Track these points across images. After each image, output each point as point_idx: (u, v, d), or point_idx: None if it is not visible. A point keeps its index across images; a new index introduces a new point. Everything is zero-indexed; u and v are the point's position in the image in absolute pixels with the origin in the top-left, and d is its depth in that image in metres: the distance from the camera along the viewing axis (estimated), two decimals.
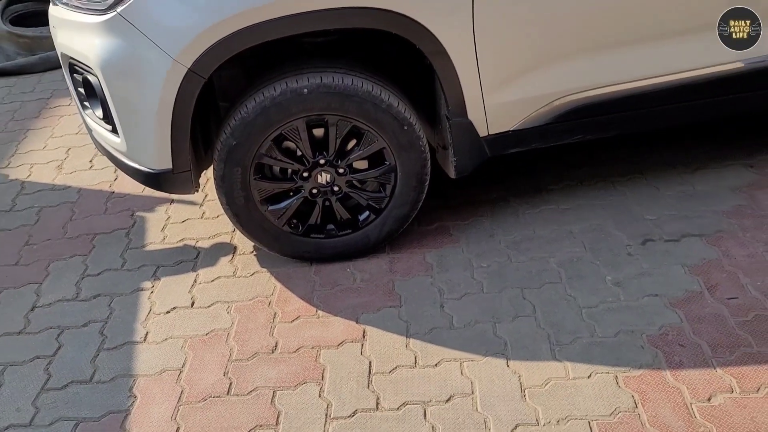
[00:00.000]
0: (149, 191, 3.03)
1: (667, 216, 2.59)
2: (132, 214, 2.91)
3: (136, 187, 3.08)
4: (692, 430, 1.79)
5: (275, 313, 2.31)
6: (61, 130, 3.68)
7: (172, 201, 2.97)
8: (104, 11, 2.00)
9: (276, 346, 2.18)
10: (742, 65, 2.29)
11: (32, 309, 2.43)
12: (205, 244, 2.69)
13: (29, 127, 3.75)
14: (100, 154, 3.33)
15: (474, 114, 2.25)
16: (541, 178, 2.88)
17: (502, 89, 2.24)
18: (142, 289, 2.47)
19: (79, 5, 2.09)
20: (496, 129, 2.33)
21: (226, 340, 2.22)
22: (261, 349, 2.17)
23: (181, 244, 2.70)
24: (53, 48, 4.41)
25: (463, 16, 2.05)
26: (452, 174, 2.42)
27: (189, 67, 1.99)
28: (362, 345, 2.16)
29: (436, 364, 2.07)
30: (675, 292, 2.24)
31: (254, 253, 2.60)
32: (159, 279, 2.52)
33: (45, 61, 4.40)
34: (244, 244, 2.65)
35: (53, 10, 2.27)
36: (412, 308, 2.28)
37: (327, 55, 2.28)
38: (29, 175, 3.29)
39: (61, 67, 4.23)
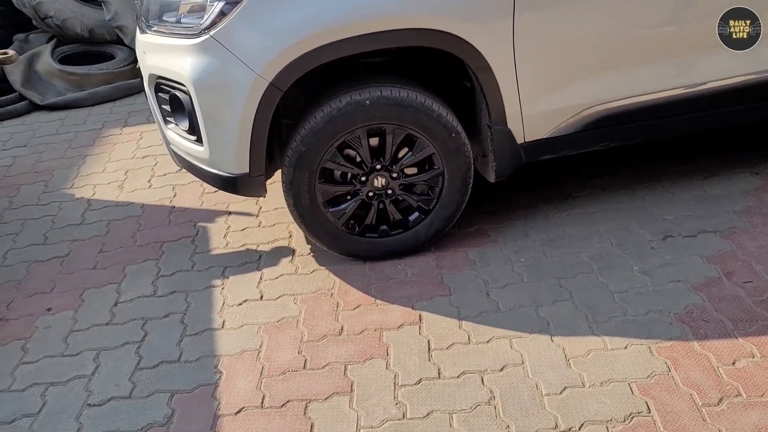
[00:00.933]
0: (208, 204, 3.33)
1: (684, 216, 2.87)
2: (194, 225, 3.19)
3: (194, 202, 3.37)
4: (721, 387, 2.03)
5: (338, 303, 2.57)
6: (117, 156, 3.99)
7: (230, 213, 3.25)
8: (198, 35, 2.32)
9: (342, 329, 2.43)
10: (755, 77, 2.61)
11: (115, 304, 2.69)
12: (265, 248, 2.96)
13: (87, 153, 4.06)
14: (157, 175, 3.67)
15: (513, 123, 2.55)
16: (567, 186, 3.17)
17: (538, 100, 2.54)
18: (213, 286, 2.74)
19: (174, 31, 2.41)
20: (531, 137, 2.62)
21: (296, 325, 2.47)
22: (329, 332, 2.42)
23: (243, 248, 2.97)
24: (100, 84, 4.80)
25: (505, 37, 2.37)
26: (492, 178, 2.71)
27: (270, 81, 2.30)
28: (419, 327, 2.41)
29: (488, 341, 2.32)
30: (696, 278, 2.50)
31: (311, 254, 2.87)
32: (227, 277, 2.78)
33: (93, 95, 4.75)
34: (302, 246, 2.92)
35: (143, 38, 2.60)
36: (461, 296, 2.54)
37: (380, 74, 2.60)
38: (93, 194, 3.58)
39: (105, 102, 4.62)
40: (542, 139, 2.65)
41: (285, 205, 3.14)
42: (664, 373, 2.11)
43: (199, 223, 3.20)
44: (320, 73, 2.44)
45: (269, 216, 3.18)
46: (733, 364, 2.12)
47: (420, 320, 2.45)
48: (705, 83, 2.66)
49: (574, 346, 2.26)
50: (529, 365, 2.19)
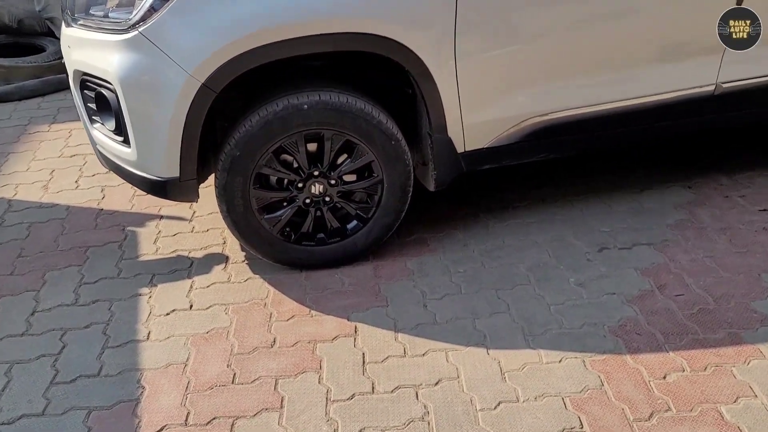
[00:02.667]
0: (139, 207, 3.19)
1: (620, 228, 2.90)
2: (123, 229, 3.04)
3: (124, 204, 3.23)
4: (652, 402, 2.04)
5: (271, 313, 2.48)
6: (42, 154, 3.79)
7: (161, 217, 3.12)
8: (126, 31, 2.20)
9: (274, 341, 2.35)
10: (711, 90, 2.66)
11: (32, 313, 2.53)
12: (197, 254, 2.84)
13: (10, 150, 3.85)
14: (85, 175, 3.50)
15: (453, 132, 2.52)
16: (507, 196, 3.16)
17: (478, 110, 2.52)
18: (140, 295, 2.61)
19: (101, 26, 2.28)
20: (471, 146, 2.60)
21: (226, 337, 2.37)
22: (260, 344, 2.33)
23: (174, 254, 2.85)
24: (28, 77, 4.56)
25: (446, 44, 2.34)
26: (431, 187, 2.68)
27: (203, 82, 2.20)
28: (354, 339, 2.35)
29: (423, 354, 2.27)
30: (630, 291, 2.52)
31: (246, 261, 2.77)
32: (156, 285, 2.66)
33: (20, 89, 4.51)
34: (236, 254, 2.82)
35: (68, 31, 2.45)
36: (397, 307, 2.49)
37: (319, 78, 2.53)
38: (15, 194, 3.38)
39: (33, 96, 4.40)
40: (483, 148, 2.63)
41: (218, 211, 3.09)
42: (597, 388, 2.10)
43: (128, 228, 3.05)
44: (259, 75, 2.36)
45: (203, 221, 3.06)
46: (664, 378, 2.14)
47: (355, 332, 2.38)
48: (642, 97, 2.68)
49: (509, 359, 2.24)
50: (465, 379, 2.16)
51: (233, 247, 2.87)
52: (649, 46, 2.62)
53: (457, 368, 2.20)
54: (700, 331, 2.32)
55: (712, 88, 2.73)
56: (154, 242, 2.94)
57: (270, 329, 2.40)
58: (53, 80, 4.61)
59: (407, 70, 2.37)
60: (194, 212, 3.13)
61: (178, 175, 2.36)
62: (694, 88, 2.71)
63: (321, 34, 2.23)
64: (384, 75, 2.63)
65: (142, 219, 3.11)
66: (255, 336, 2.37)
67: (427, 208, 3.04)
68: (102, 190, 3.37)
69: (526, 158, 2.75)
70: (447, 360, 2.24)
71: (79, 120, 4.18)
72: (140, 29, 2.18)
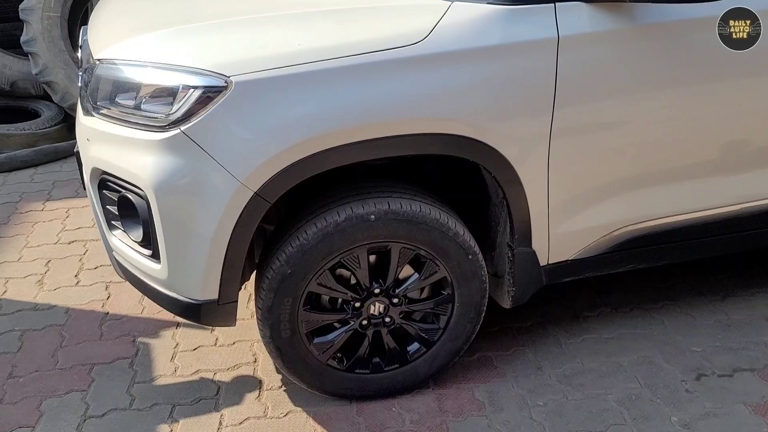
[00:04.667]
0: (151, 311, 2.75)
1: (713, 348, 2.52)
2: (134, 340, 2.59)
3: (133, 307, 2.79)
4: None
5: None
6: (36, 239, 3.34)
7: (179, 324, 2.68)
8: (164, 128, 1.81)
9: None
10: None
11: None
12: (224, 377, 2.40)
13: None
14: (86, 267, 3.06)
15: (538, 243, 2.15)
16: (573, 303, 2.78)
17: (568, 219, 2.16)
18: None
19: (130, 119, 1.89)
20: (556, 258, 2.23)
21: None
22: None
23: (197, 377, 2.40)
24: (20, 146, 4.14)
25: (540, 149, 1.99)
26: (507, 304, 2.29)
27: (255, 191, 1.81)
28: None
29: None
30: None
31: (284, 388, 2.33)
32: (177, 421, 2.20)
33: (11, 160, 4.08)
34: (270, 376, 2.39)
35: (87, 122, 2.05)
36: None
37: (380, 178, 2.15)
38: (5, 292, 2.92)
39: (25, 167, 3.97)
40: (567, 260, 2.26)
41: (246, 317, 2.66)
42: None
43: (140, 338, 2.60)
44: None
45: (228, 331, 2.62)
46: None
47: None
48: (743, 203, 2.34)
49: None
50: None
51: (266, 366, 2.43)
52: (754, 145, 2.29)
53: None
54: None
55: None
56: (172, 359, 2.49)
57: None
58: (48, 150, 4.18)
59: (492, 173, 2.00)
60: None
61: (216, 297, 1.94)
62: None
63: (397, 136, 1.86)
64: (448, 176, 2.28)
65: (156, 327, 2.67)
66: None
67: (487, 318, 2.64)
68: (107, 288, 2.92)
69: (613, 269, 2.38)
70: None
71: (79, 196, 3.78)
72: (182, 128, 1.78)
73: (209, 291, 1.93)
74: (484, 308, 2.23)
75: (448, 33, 1.85)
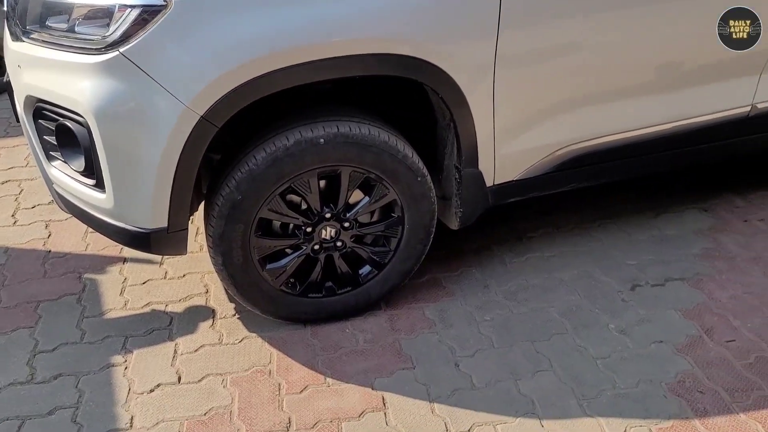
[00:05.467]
0: (95, 247, 2.71)
1: (646, 261, 2.66)
2: (79, 277, 2.55)
3: (77, 244, 2.73)
4: None
5: (279, 384, 2.08)
6: None
7: (125, 260, 2.64)
8: (102, 51, 1.74)
9: (290, 422, 1.96)
10: (746, 110, 2.44)
11: None
12: (176, 308, 2.40)
13: None
14: (23, 207, 2.97)
15: (484, 163, 2.20)
16: (517, 225, 2.87)
17: (512, 140, 2.20)
18: (113, 365, 2.15)
19: (64, 42, 1.80)
20: (501, 179, 2.29)
21: (229, 419, 1.96)
22: (273, 427, 1.94)
23: (148, 309, 2.39)
24: None
25: (486, 71, 2.01)
26: (455, 225, 2.35)
27: (202, 114, 1.77)
28: (385, 414, 1.99)
29: (468, 430, 1.94)
30: (677, 338, 2.27)
31: (237, 316, 2.35)
32: (131, 352, 2.20)
33: None
34: (223, 305, 2.40)
35: (17, 47, 1.95)
36: (426, 369, 2.15)
37: (327, 104, 2.14)
38: None
39: None
40: (512, 180, 2.32)
41: (195, 250, 2.65)
42: None
43: (86, 274, 2.56)
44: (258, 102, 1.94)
45: (177, 264, 2.61)
46: None
47: (384, 404, 2.02)
48: (680, 120, 2.44)
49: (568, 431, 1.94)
50: None
51: (218, 296, 2.44)
52: (689, 66, 2.37)
53: None
54: (764, 385, 2.09)
55: (748, 109, 2.51)
56: (121, 293, 2.47)
57: (282, 406, 2.01)
58: None
59: (440, 95, 2.01)
60: None
61: (165, 225, 1.92)
62: (731, 109, 2.48)
63: (345, 56, 1.84)
64: (395, 99, 2.28)
65: (102, 263, 2.62)
66: (265, 416, 1.97)
67: (435, 242, 2.70)
68: (47, 226, 2.84)
69: (555, 189, 2.47)
70: None
71: (9, 136, 3.61)
72: (121, 50, 1.72)
73: (158, 219, 1.91)
74: (434, 229, 2.28)
75: None
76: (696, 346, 2.24)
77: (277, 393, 2.05)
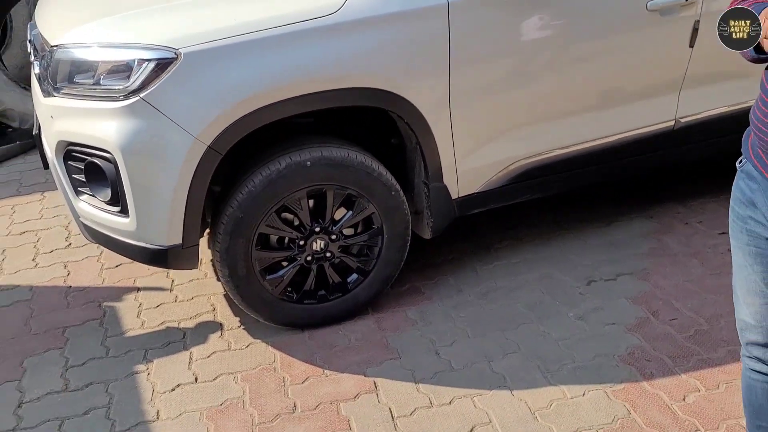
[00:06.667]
0: (111, 281, 3.02)
1: (600, 261, 3.02)
2: (99, 306, 2.86)
3: (94, 279, 3.05)
4: (680, 424, 2.12)
5: (284, 377, 2.39)
6: None
7: (139, 289, 2.96)
8: (125, 97, 2.12)
9: (295, 406, 2.26)
10: (671, 124, 2.86)
11: (19, 405, 2.32)
12: (188, 324, 2.71)
13: None
14: (42, 252, 3.29)
15: (448, 179, 2.57)
16: (485, 238, 3.23)
17: (471, 156, 2.59)
18: (137, 372, 2.45)
19: (91, 93, 2.18)
20: (464, 191, 2.66)
21: (243, 407, 2.26)
22: (281, 410, 2.24)
23: (163, 327, 2.70)
24: None
25: (443, 100, 2.40)
26: (428, 234, 2.70)
27: (209, 144, 2.15)
28: (377, 394, 2.30)
29: (450, 402, 2.26)
30: (628, 320, 2.62)
31: (242, 327, 2.67)
32: (151, 361, 2.51)
33: None
34: (229, 319, 2.71)
35: (49, 101, 2.32)
36: (411, 358, 2.47)
37: (311, 134, 2.52)
38: None
39: None
40: (474, 193, 2.69)
41: (200, 277, 2.98)
42: (626, 417, 2.16)
43: (105, 303, 2.88)
44: (251, 136, 2.32)
45: (185, 289, 2.93)
46: (684, 400, 2.22)
47: (375, 387, 2.34)
48: (613, 135, 2.84)
49: (535, 398, 2.26)
50: (498, 423, 2.16)
51: (224, 312, 2.76)
52: (619, 88, 2.79)
53: (487, 413, 2.20)
54: (702, 351, 2.43)
55: (672, 123, 2.93)
56: (138, 316, 2.78)
57: (287, 393, 2.31)
58: None
59: (406, 121, 2.41)
60: (173, 281, 2.99)
61: (180, 242, 2.27)
62: (658, 124, 2.90)
63: (325, 91, 2.24)
64: (367, 128, 2.67)
65: (118, 293, 2.94)
66: (273, 402, 2.27)
67: (414, 256, 3.05)
68: (65, 267, 3.16)
69: (512, 200, 2.84)
70: (475, 406, 2.23)
71: (20, 194, 3.96)
72: (141, 95, 2.10)
73: (174, 236, 2.26)
74: (409, 238, 2.64)
75: (358, 3, 2.25)
76: (644, 325, 2.59)
77: (282, 384, 2.36)
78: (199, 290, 2.92)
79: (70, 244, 3.35)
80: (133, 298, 2.90)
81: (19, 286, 3.04)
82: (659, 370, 2.36)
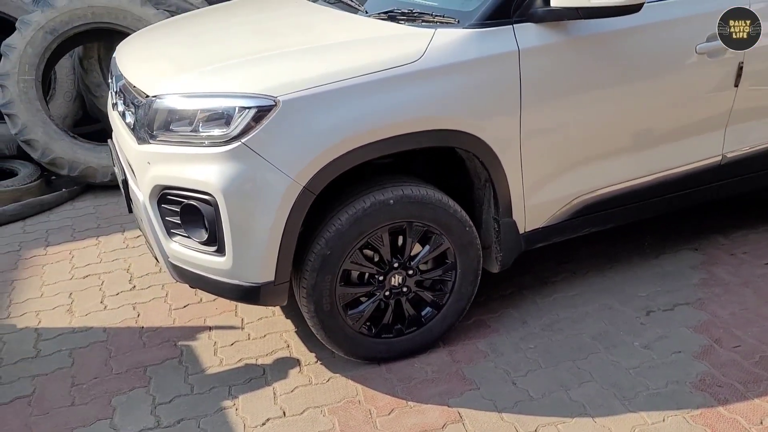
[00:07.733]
0: (181, 321, 3.10)
1: (655, 292, 3.12)
2: (175, 344, 2.94)
3: (165, 320, 3.13)
4: None
5: (370, 410, 2.46)
6: (51, 278, 3.60)
7: (210, 328, 3.04)
8: (226, 143, 2.25)
9: None
10: (718, 159, 3.00)
11: None
12: (266, 360, 2.79)
13: (13, 278, 3.63)
14: (109, 294, 3.37)
15: (517, 214, 2.70)
16: (542, 273, 3.33)
17: (538, 192, 2.71)
18: (225, 408, 2.52)
19: (189, 140, 2.31)
20: (531, 226, 2.78)
21: None
22: None
23: (241, 364, 2.78)
24: (6, 202, 4.37)
25: (515, 140, 2.54)
26: (496, 269, 2.81)
27: (304, 185, 2.27)
28: (463, 424, 2.38)
29: (535, 430, 2.33)
30: (692, 348, 2.71)
31: (319, 362, 2.75)
32: (237, 397, 2.58)
33: (2, 214, 4.30)
34: (305, 355, 2.79)
35: (144, 148, 2.44)
36: (489, 389, 2.55)
37: (388, 174, 2.65)
38: (39, 322, 3.19)
39: (14, 221, 4.21)
40: (539, 228, 2.81)
41: (269, 315, 3.07)
42: None
43: (180, 342, 2.95)
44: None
45: (256, 327, 3.02)
46: (761, 423, 2.30)
47: (461, 417, 2.41)
48: (667, 170, 2.98)
49: (617, 425, 2.34)
50: None
51: (299, 348, 2.84)
52: (672, 125, 2.94)
53: None
54: None
55: (719, 158, 3.07)
56: (215, 354, 2.86)
57: (376, 426, 2.39)
58: (35, 203, 4.43)
59: (480, 160, 2.54)
60: (243, 319, 3.08)
61: (273, 279, 2.37)
62: (706, 159, 3.04)
63: (409, 133, 2.38)
64: (439, 167, 2.80)
65: (191, 332, 3.02)
66: None
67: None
68: (134, 308, 3.25)
69: (573, 234, 2.95)
70: None
71: (75, 239, 4.06)
72: (243, 140, 2.23)
73: (267, 274, 2.36)
74: (480, 272, 2.75)
75: (438, 51, 2.40)
76: (709, 353, 2.68)
77: (370, 416, 2.43)
78: (270, 328, 3.00)
79: (135, 286, 3.43)
80: (207, 337, 2.98)
81: (92, 327, 3.11)
82: (732, 395, 2.44)
